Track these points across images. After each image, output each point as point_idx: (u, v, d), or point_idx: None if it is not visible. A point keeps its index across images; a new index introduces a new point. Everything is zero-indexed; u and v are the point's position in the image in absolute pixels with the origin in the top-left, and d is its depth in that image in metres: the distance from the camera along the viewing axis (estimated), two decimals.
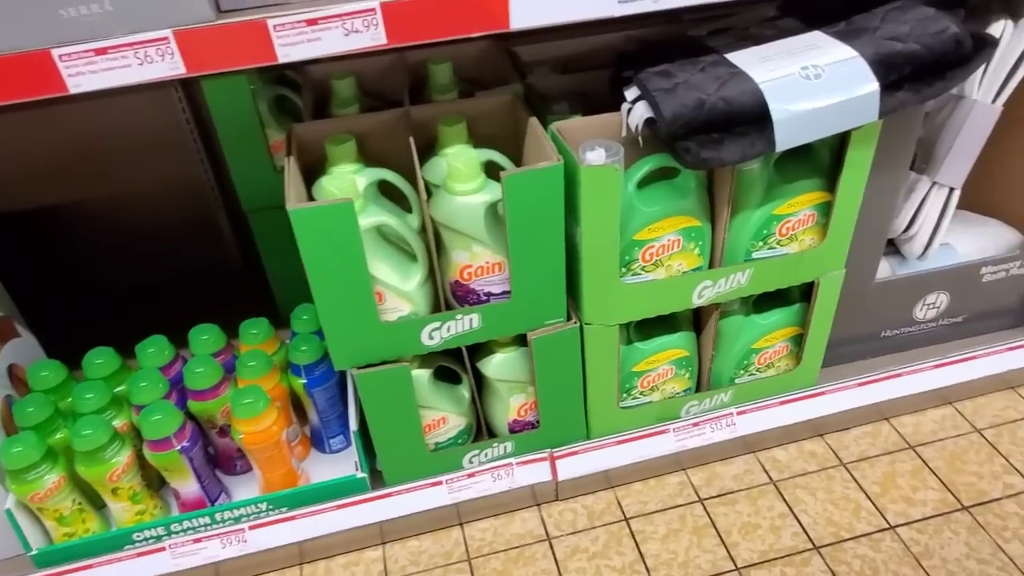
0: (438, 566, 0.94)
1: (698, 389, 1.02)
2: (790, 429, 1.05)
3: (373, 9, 0.65)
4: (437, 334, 0.83)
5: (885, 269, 1.03)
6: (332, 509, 0.92)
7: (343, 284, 0.76)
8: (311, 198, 0.82)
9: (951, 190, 0.95)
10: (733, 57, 0.79)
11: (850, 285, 0.97)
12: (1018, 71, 0.88)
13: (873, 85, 0.72)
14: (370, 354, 0.83)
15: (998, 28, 0.87)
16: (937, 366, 1.07)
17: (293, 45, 0.66)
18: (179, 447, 0.86)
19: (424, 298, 0.83)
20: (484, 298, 0.84)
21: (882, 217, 0.94)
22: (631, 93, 0.80)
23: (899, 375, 1.06)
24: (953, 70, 0.74)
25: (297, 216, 0.71)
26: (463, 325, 0.84)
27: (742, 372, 1.00)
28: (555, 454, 0.97)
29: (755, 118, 0.73)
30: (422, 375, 0.89)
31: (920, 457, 1.04)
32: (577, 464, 0.98)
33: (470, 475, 0.95)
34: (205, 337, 0.96)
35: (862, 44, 0.75)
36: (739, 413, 1.02)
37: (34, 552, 0.87)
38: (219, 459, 0.99)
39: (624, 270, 0.85)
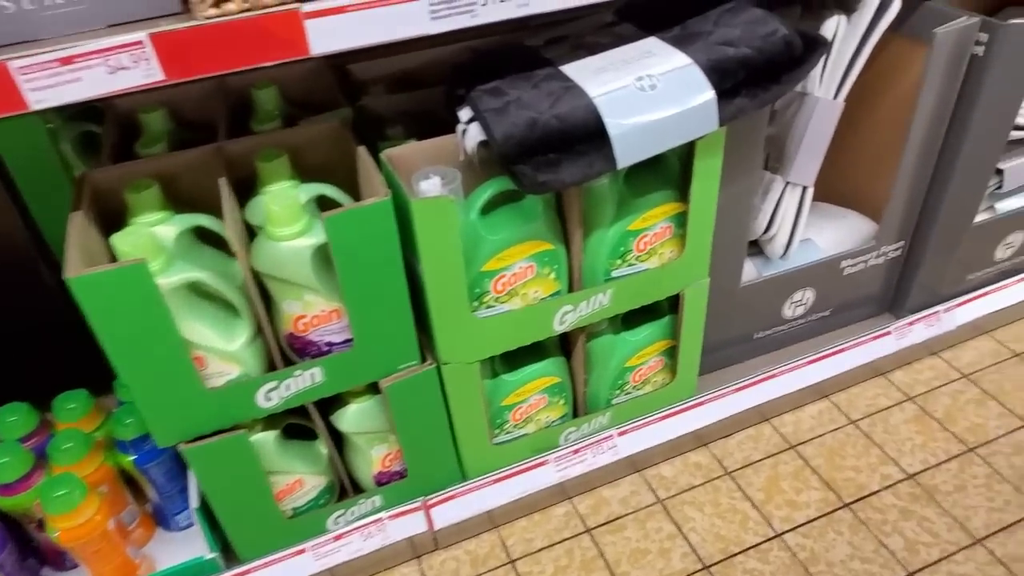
0: None
1: (575, 414, 0.97)
2: (674, 443, 1.02)
3: (140, 42, 0.56)
4: (275, 394, 0.75)
5: (751, 271, 1.01)
6: None
7: (151, 354, 0.66)
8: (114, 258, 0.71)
9: (804, 188, 0.94)
10: (568, 69, 0.74)
11: (717, 291, 0.95)
12: (855, 65, 0.88)
13: (709, 93, 0.69)
14: (199, 425, 0.73)
15: (832, 24, 0.86)
16: (810, 362, 1.06)
17: (47, 89, 0.56)
18: None
19: (255, 357, 0.74)
20: (325, 349, 0.76)
21: (740, 221, 0.92)
22: (464, 113, 0.74)
23: (775, 375, 1.05)
24: (787, 73, 0.72)
25: (78, 285, 0.61)
26: (304, 381, 0.75)
27: (618, 392, 0.96)
28: (429, 502, 0.90)
29: (592, 135, 0.68)
30: (266, 438, 0.80)
31: (801, 456, 1.03)
32: (454, 509, 0.92)
33: (337, 537, 0.87)
34: (13, 419, 0.83)
35: (696, 50, 0.71)
36: (620, 434, 0.98)
37: None
38: (46, 555, 0.86)
39: (476, 303, 0.78)
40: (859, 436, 1.05)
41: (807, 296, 1.04)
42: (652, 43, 0.75)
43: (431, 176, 0.72)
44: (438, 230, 0.70)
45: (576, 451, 0.96)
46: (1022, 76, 0.92)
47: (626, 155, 0.69)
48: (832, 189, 1.06)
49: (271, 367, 0.75)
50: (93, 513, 0.76)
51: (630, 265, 0.84)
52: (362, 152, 0.75)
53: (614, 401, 0.97)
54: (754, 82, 0.71)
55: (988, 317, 1.17)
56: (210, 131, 0.89)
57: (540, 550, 0.94)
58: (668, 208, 0.82)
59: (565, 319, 0.83)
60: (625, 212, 0.81)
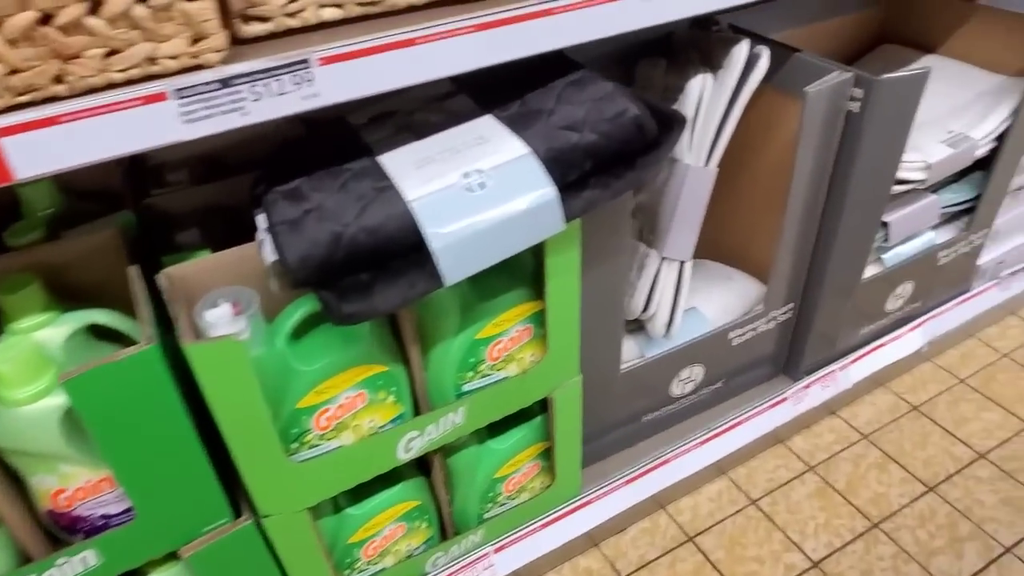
0: None
1: (445, 536, 0.84)
2: (561, 550, 0.91)
3: None
4: None
5: (633, 351, 0.91)
6: None
7: None
8: None
9: (683, 263, 0.85)
10: (387, 159, 0.61)
11: (595, 379, 0.84)
12: (725, 128, 0.78)
13: (549, 191, 0.57)
14: None
15: (698, 84, 0.77)
16: (704, 441, 0.97)
17: None
18: None
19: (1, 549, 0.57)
20: (100, 524, 0.60)
21: (612, 304, 0.81)
22: (261, 220, 0.60)
23: (667, 460, 0.95)
24: (642, 157, 0.61)
25: None
26: (75, 568, 0.59)
27: (490, 505, 0.84)
28: None
29: (410, 249, 0.55)
30: None
31: (700, 550, 0.94)
32: None
33: None
34: None
35: (535, 135, 0.60)
36: (497, 551, 0.86)
37: None
38: None
39: (296, 445, 0.64)
40: (761, 519, 0.97)
41: (695, 372, 0.95)
42: (486, 124, 0.63)
43: (220, 302, 0.58)
44: (225, 374, 0.56)
45: None
46: (900, 129, 0.85)
47: (454, 270, 0.57)
48: (718, 245, 0.98)
49: (25, 559, 0.59)
50: None
51: (484, 376, 0.71)
52: (133, 274, 0.60)
53: (486, 516, 0.84)
54: (605, 170, 0.60)
55: (884, 370, 1.11)
56: None
57: None
58: (523, 309, 0.70)
59: (412, 446, 0.70)
60: (471, 319, 0.68)
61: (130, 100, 0.46)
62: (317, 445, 0.65)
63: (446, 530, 0.84)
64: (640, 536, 0.96)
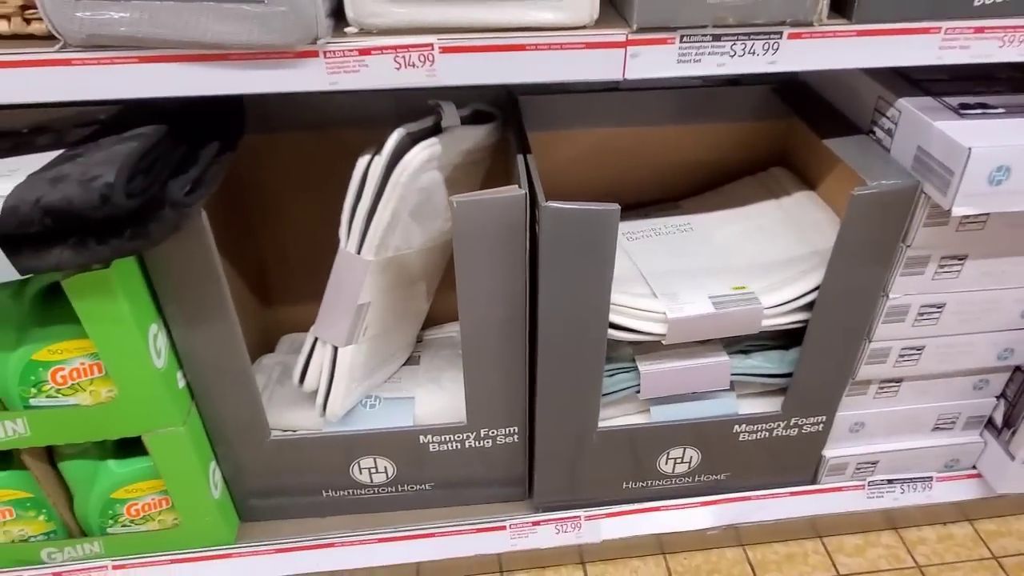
0: None
1: (70, 535, 0.87)
2: None
3: None
4: None
5: (314, 420, 0.86)
6: None
7: None
8: None
9: (336, 348, 0.79)
10: None
11: (243, 437, 0.83)
12: (375, 218, 0.72)
13: None
14: None
15: (362, 164, 0.71)
16: (393, 538, 0.90)
17: None
18: None
19: None
20: None
21: (230, 369, 0.77)
22: None
23: (346, 543, 0.90)
24: (116, 237, 0.59)
25: None
26: None
27: (111, 522, 0.85)
28: None
29: None
30: None
31: None
32: None
33: None
34: None
35: (29, 181, 0.59)
36: (116, 567, 0.87)
37: None
38: None
39: None
40: None
41: (381, 464, 0.88)
42: (35, 159, 0.64)
43: None
44: None
45: (58, 575, 0.86)
46: (583, 265, 0.72)
47: None
48: None
49: None
50: None
51: (50, 397, 0.73)
52: None
53: (109, 531, 0.86)
54: (77, 232, 0.59)
55: (662, 538, 0.95)
56: None
57: None
58: (83, 344, 0.71)
59: None
60: (29, 339, 0.70)
61: None
62: None
63: (71, 530, 0.87)
64: None
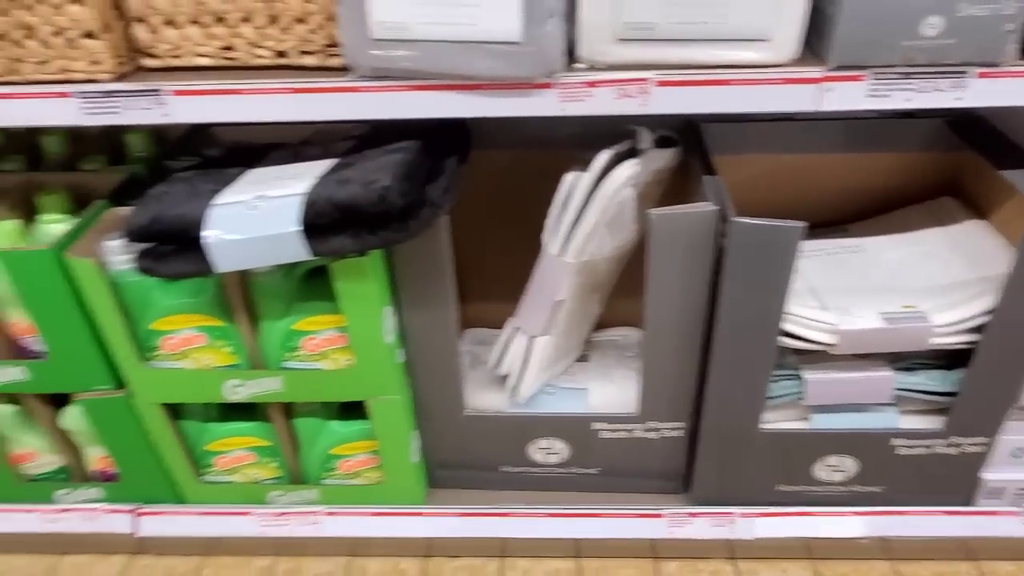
0: None
1: (293, 481, 1.03)
2: (389, 542, 1.03)
3: None
4: None
5: (499, 403, 0.98)
6: None
7: None
8: None
9: (532, 338, 0.90)
10: (249, 173, 0.82)
11: (441, 412, 0.96)
12: (580, 226, 0.83)
13: (292, 226, 0.72)
14: None
15: (569, 178, 0.83)
16: (560, 514, 1.00)
17: None
18: None
19: None
20: (30, 354, 0.92)
21: (443, 351, 0.91)
22: None
23: (516, 515, 1.01)
24: (383, 228, 0.73)
25: None
26: (8, 376, 0.92)
27: (327, 474, 1.00)
28: (140, 509, 1.03)
29: (196, 240, 0.75)
30: (4, 410, 0.98)
31: None
32: (161, 524, 1.03)
33: (63, 510, 1.03)
34: None
35: (323, 181, 0.75)
36: (328, 514, 1.02)
37: None
38: None
39: (150, 354, 0.89)
40: None
41: (556, 446, 0.99)
42: (313, 166, 0.80)
43: (116, 237, 0.84)
44: (90, 286, 0.83)
45: (280, 514, 1.02)
46: (768, 277, 0.79)
47: (224, 263, 0.75)
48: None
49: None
50: None
51: (302, 360, 0.88)
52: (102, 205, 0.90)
53: (324, 481, 1.01)
54: (355, 225, 0.73)
55: (810, 542, 1.00)
56: None
57: None
58: (334, 319, 0.85)
59: (237, 391, 0.90)
60: (292, 311, 0.86)
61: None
62: (164, 360, 0.89)
63: (294, 477, 1.03)
64: (463, 569, 1.03)
